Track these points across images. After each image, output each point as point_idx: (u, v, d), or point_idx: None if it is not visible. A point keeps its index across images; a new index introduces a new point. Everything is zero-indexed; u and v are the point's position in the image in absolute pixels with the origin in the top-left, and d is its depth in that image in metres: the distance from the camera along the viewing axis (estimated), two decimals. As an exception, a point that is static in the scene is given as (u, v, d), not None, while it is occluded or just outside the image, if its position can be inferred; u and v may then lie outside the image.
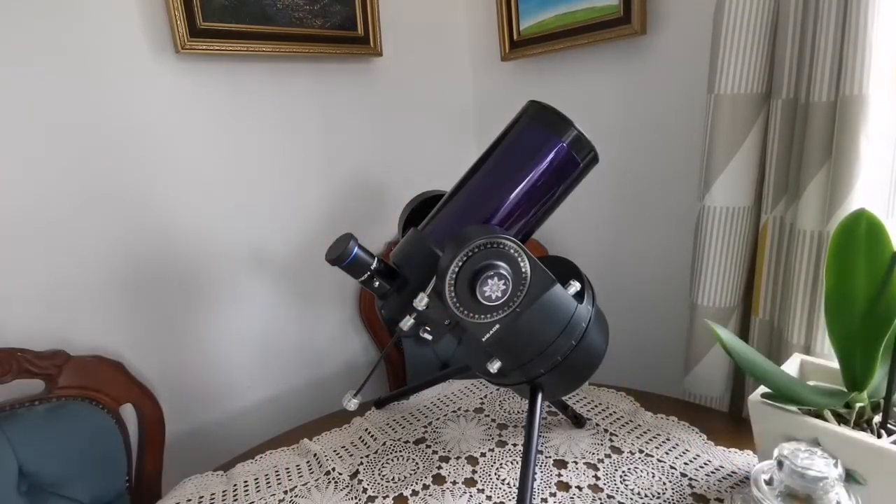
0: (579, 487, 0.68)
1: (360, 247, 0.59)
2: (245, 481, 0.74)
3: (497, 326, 0.59)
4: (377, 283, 0.60)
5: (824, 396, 0.58)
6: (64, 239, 0.90)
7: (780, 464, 0.46)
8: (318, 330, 1.22)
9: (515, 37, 1.23)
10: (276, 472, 0.76)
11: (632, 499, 0.65)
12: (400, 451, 0.78)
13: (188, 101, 0.99)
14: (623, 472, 0.70)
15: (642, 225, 1.14)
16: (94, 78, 0.89)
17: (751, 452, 0.71)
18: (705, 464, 0.70)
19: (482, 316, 0.57)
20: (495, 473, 0.72)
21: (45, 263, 0.88)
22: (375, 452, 0.79)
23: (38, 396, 0.82)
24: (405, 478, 0.72)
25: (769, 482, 0.47)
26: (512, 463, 0.74)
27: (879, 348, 0.55)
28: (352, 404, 0.61)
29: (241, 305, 1.10)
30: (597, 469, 0.71)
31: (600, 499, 0.66)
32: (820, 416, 0.57)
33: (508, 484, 0.70)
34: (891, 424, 0.56)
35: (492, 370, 0.63)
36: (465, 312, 0.56)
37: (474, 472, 0.72)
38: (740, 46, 0.78)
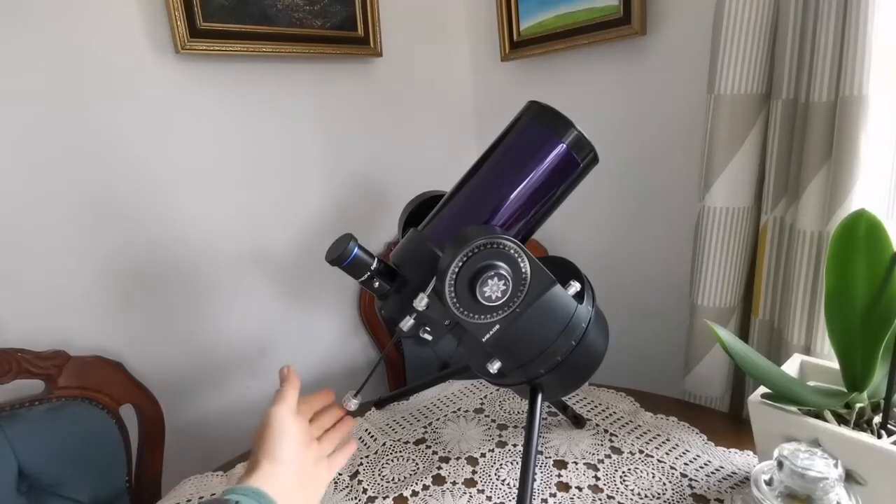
0: (579, 488, 0.68)
1: (360, 247, 0.59)
2: (245, 481, 0.74)
3: (497, 327, 0.59)
4: (377, 284, 0.60)
5: (824, 396, 0.58)
6: (64, 239, 0.90)
7: (780, 464, 0.46)
8: (318, 330, 1.22)
9: (515, 37, 1.22)
10: (276, 472, 0.76)
11: (632, 499, 0.65)
12: (400, 452, 0.78)
13: (188, 101, 0.99)
14: (623, 472, 0.70)
15: (642, 225, 1.14)
16: (93, 78, 0.89)
17: (751, 452, 0.71)
18: (705, 464, 0.70)
19: (482, 316, 0.57)
20: (495, 474, 0.72)
21: (45, 264, 0.88)
22: (375, 453, 0.79)
23: (38, 396, 0.82)
24: (405, 478, 0.72)
25: (769, 482, 0.47)
26: (512, 463, 0.74)
27: (879, 348, 0.55)
28: (352, 404, 0.61)
29: (241, 305, 1.10)
30: (597, 469, 0.71)
31: (600, 499, 0.66)
32: (820, 416, 0.57)
33: (508, 484, 0.70)
34: (891, 424, 0.56)
35: (492, 370, 0.63)
36: (465, 313, 0.56)
37: (474, 472, 0.72)
38: (740, 46, 0.78)
